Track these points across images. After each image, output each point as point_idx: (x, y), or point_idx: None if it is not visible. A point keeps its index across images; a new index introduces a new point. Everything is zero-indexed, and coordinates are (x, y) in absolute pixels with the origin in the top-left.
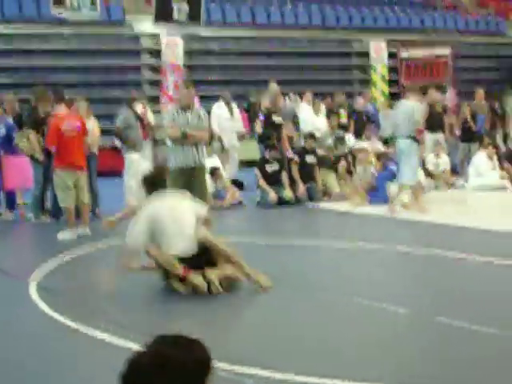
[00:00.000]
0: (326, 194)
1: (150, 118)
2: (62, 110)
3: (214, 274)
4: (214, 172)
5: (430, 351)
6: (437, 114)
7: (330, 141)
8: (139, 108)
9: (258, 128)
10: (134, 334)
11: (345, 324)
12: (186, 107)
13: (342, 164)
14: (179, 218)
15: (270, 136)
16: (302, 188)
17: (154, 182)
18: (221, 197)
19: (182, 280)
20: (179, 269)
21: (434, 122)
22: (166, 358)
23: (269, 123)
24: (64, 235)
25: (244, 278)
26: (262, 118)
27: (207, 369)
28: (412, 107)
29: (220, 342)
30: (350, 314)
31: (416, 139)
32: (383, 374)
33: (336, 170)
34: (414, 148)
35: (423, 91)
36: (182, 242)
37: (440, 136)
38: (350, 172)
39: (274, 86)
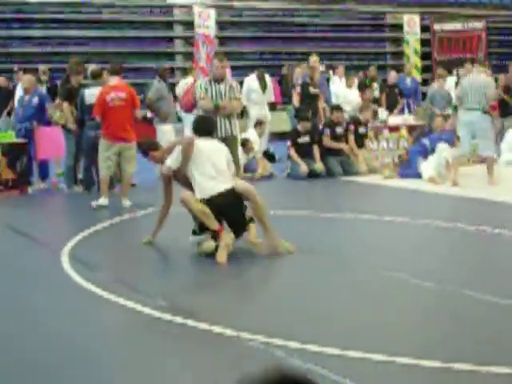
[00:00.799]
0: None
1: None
2: (113, 81)
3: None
4: (245, 143)
5: (458, 325)
6: None
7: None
8: (190, 80)
9: (296, 101)
10: (160, 303)
11: (373, 298)
12: (218, 79)
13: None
14: (217, 163)
15: (304, 109)
16: (319, 163)
17: (203, 128)
18: (252, 169)
19: (217, 234)
20: (214, 223)
21: None
22: None
23: (305, 95)
24: (97, 202)
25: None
26: (299, 89)
27: None
28: (487, 82)
29: (248, 313)
30: (380, 288)
31: (490, 114)
32: (412, 348)
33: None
34: (488, 122)
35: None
36: (215, 187)
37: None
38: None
39: (314, 59)
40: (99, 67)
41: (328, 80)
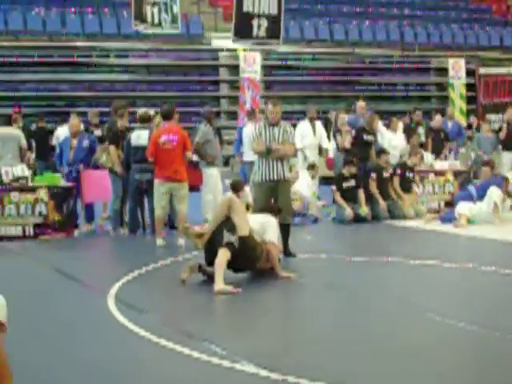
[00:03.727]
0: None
1: None
2: (167, 125)
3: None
4: (313, 167)
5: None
6: None
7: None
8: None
9: (347, 143)
10: (201, 345)
11: (416, 340)
12: (273, 123)
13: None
14: None
15: (356, 153)
16: (382, 203)
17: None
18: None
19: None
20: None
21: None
22: None
23: (359, 140)
24: (158, 242)
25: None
26: (353, 133)
27: None
28: None
29: (292, 354)
30: (423, 331)
31: None
32: None
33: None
34: None
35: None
36: None
37: None
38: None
39: (361, 104)
40: (148, 111)
41: None
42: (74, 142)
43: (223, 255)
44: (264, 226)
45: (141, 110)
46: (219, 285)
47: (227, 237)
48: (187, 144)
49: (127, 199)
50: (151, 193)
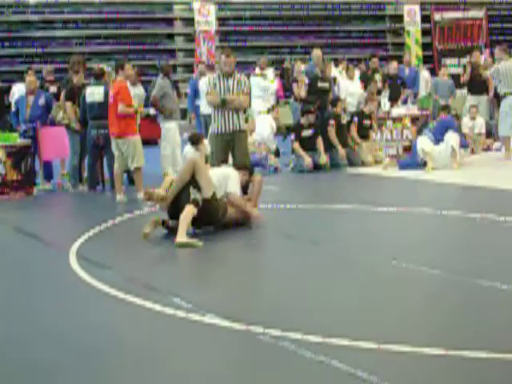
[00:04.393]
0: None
1: None
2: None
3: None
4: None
5: (468, 313)
6: (480, 76)
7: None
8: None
9: (302, 92)
10: (168, 299)
11: (381, 287)
12: (227, 74)
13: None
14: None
15: (312, 102)
16: (341, 151)
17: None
18: (262, 164)
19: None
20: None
21: (476, 84)
22: None
23: (313, 89)
24: (118, 198)
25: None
26: (307, 81)
27: None
28: None
29: (256, 304)
30: (387, 277)
31: None
32: (421, 337)
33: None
34: None
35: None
36: None
37: (483, 98)
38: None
39: (317, 52)
40: (101, 67)
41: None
42: (31, 99)
43: (189, 211)
44: (224, 178)
45: (95, 66)
46: (182, 237)
47: (193, 193)
48: (118, 97)
49: (85, 155)
50: (109, 149)
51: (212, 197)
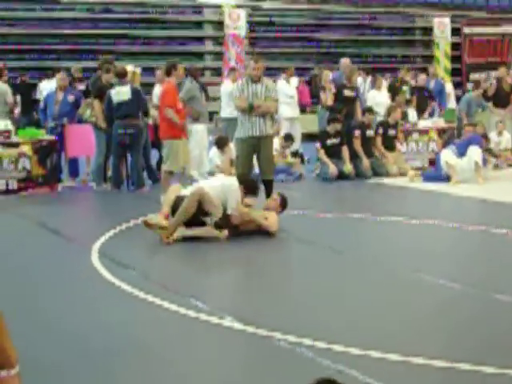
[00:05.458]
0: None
1: None
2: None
3: None
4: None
5: (484, 327)
6: (504, 90)
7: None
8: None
9: (330, 100)
10: (188, 301)
11: (402, 298)
12: (255, 80)
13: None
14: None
15: (339, 110)
16: (366, 162)
17: None
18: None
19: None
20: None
21: (501, 98)
22: None
23: (340, 97)
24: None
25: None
26: (333, 90)
27: None
28: None
29: (275, 309)
30: (409, 288)
31: None
32: (433, 350)
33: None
34: None
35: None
36: None
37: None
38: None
39: (346, 61)
40: (124, 67)
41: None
42: (60, 96)
43: (218, 234)
44: (225, 191)
45: (118, 66)
46: (162, 221)
47: (210, 220)
48: (164, 100)
49: (110, 154)
50: (134, 148)
51: (222, 216)
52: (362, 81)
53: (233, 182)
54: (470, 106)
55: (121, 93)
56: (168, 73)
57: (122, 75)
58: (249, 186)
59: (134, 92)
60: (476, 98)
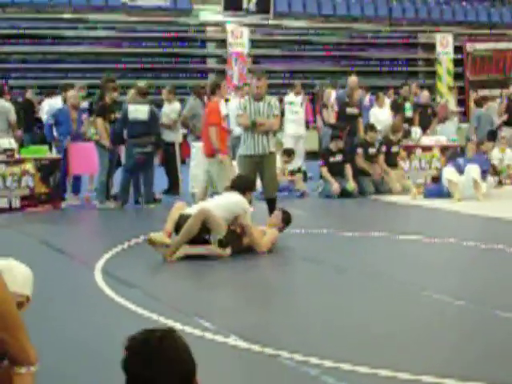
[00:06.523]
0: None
1: None
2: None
3: None
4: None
5: (489, 346)
6: None
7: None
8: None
9: (332, 119)
10: (189, 318)
11: (407, 316)
12: (258, 97)
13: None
14: None
15: (342, 128)
16: (377, 172)
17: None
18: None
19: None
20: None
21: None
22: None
23: (342, 115)
24: None
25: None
26: (336, 108)
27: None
28: None
29: (280, 328)
30: (414, 307)
31: None
32: (445, 368)
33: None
34: None
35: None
36: None
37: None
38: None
39: (353, 79)
40: (145, 85)
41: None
42: (74, 114)
43: (221, 253)
44: (231, 208)
45: (139, 84)
46: (165, 239)
47: (213, 237)
48: (209, 118)
49: (113, 172)
50: (149, 166)
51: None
52: (361, 94)
53: (239, 198)
54: (479, 121)
55: (139, 111)
56: (212, 92)
57: (143, 94)
58: (246, 185)
59: (152, 113)
60: (486, 114)
